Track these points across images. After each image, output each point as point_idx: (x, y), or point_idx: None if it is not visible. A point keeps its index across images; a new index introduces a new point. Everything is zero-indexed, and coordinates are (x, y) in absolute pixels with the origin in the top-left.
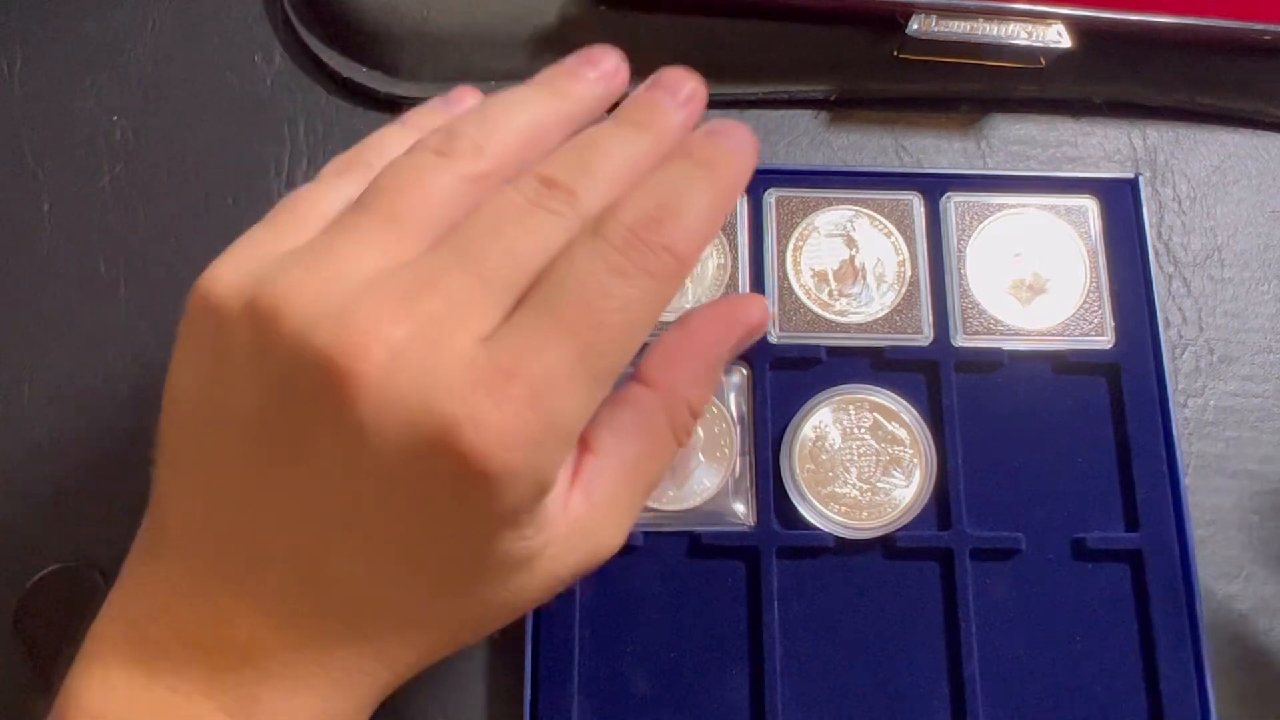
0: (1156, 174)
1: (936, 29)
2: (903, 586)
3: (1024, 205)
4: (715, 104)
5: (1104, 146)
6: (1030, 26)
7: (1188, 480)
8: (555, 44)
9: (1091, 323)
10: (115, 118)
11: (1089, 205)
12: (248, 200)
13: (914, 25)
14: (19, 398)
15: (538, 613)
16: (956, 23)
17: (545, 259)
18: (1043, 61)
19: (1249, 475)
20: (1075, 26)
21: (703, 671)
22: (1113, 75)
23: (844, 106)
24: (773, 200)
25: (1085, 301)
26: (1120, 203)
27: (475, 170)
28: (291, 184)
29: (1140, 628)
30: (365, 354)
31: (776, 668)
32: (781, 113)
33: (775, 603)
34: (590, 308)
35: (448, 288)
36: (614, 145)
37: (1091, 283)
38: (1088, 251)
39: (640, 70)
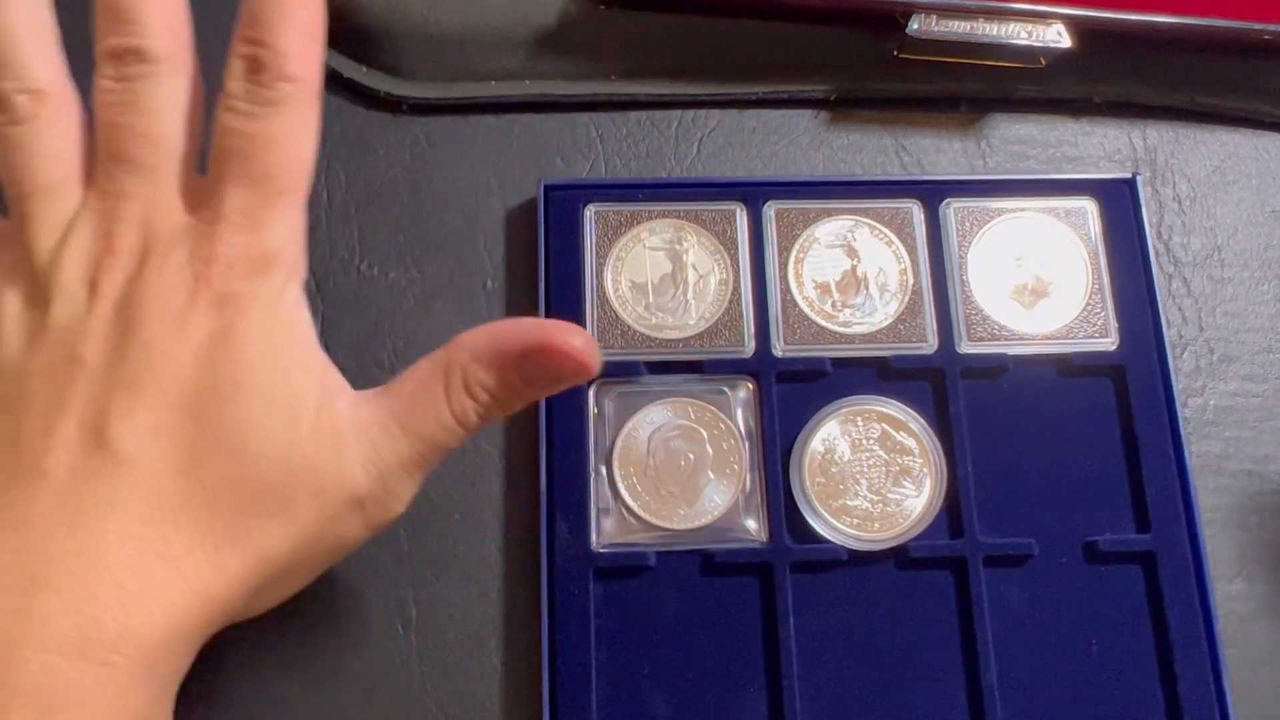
0: (1156, 174)
1: (936, 29)
2: (917, 596)
3: (1023, 209)
4: (715, 104)
5: (1104, 146)
6: (1030, 26)
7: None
8: (555, 44)
9: (1095, 324)
10: None
11: (1088, 207)
12: None
13: (914, 25)
14: None
15: (553, 638)
16: (956, 23)
17: (166, 109)
18: (1043, 61)
19: (1249, 475)
20: (1075, 26)
21: (721, 690)
22: (1113, 75)
23: (844, 106)
24: (772, 213)
25: (1088, 303)
26: (1119, 203)
27: (47, 112)
28: None
29: (1155, 629)
30: (108, 271)
31: (795, 683)
32: (781, 113)
33: (790, 618)
34: (247, 155)
35: (126, 193)
36: None
37: (1093, 284)
38: (1088, 253)
39: (640, 70)
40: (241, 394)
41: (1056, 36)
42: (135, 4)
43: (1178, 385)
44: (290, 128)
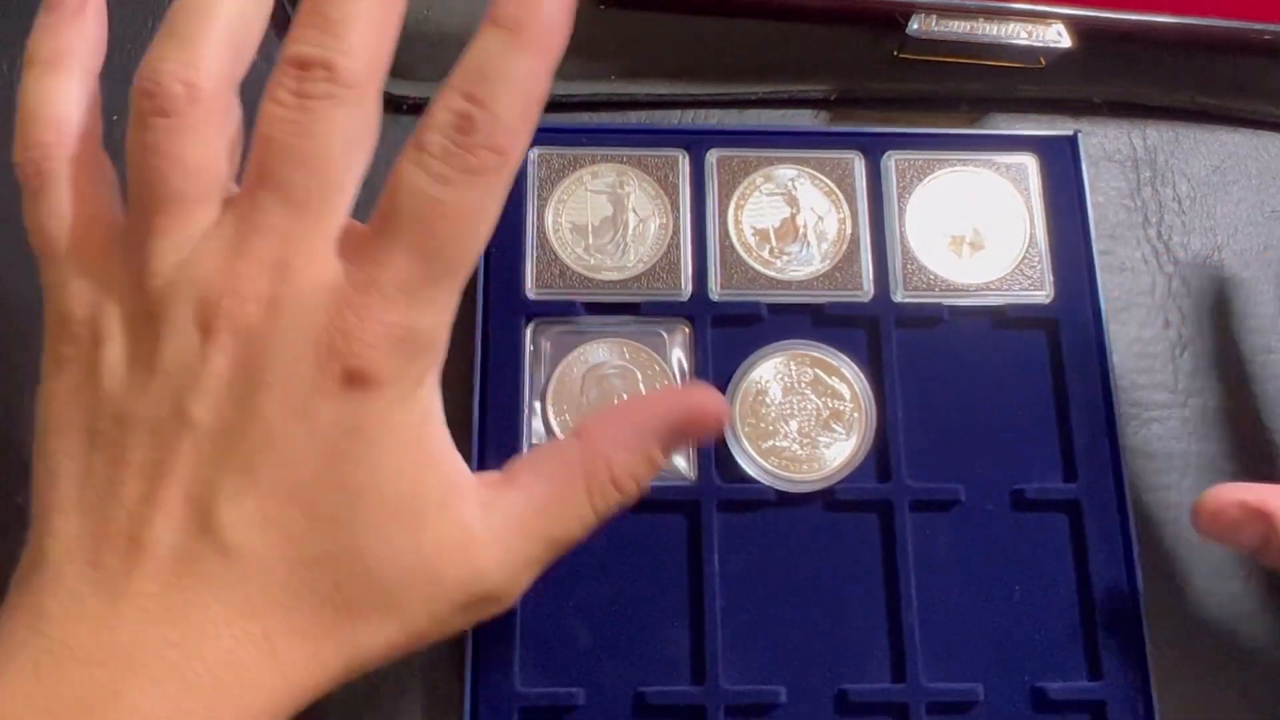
0: (1156, 174)
1: (936, 29)
2: (843, 539)
3: (964, 162)
4: (715, 104)
5: (1104, 146)
6: (1030, 26)
7: (1188, 481)
8: None
9: (1031, 278)
10: (115, 118)
11: (1028, 162)
12: None
13: (914, 25)
14: (20, 398)
15: None
16: (956, 23)
17: (338, 141)
18: (1043, 61)
19: (1249, 475)
20: (1075, 26)
21: (644, 624)
22: (1113, 75)
23: (844, 106)
24: (714, 160)
25: (1025, 257)
26: (1059, 159)
27: (196, 115)
28: None
29: (1078, 577)
30: (229, 317)
31: (717, 619)
32: (781, 113)
33: (716, 555)
34: (423, 219)
35: (268, 226)
36: None
37: (1031, 239)
38: (1027, 208)
39: (640, 71)
40: (362, 496)
41: (1056, 36)
42: (344, 15)
43: (1178, 385)
44: (481, 204)
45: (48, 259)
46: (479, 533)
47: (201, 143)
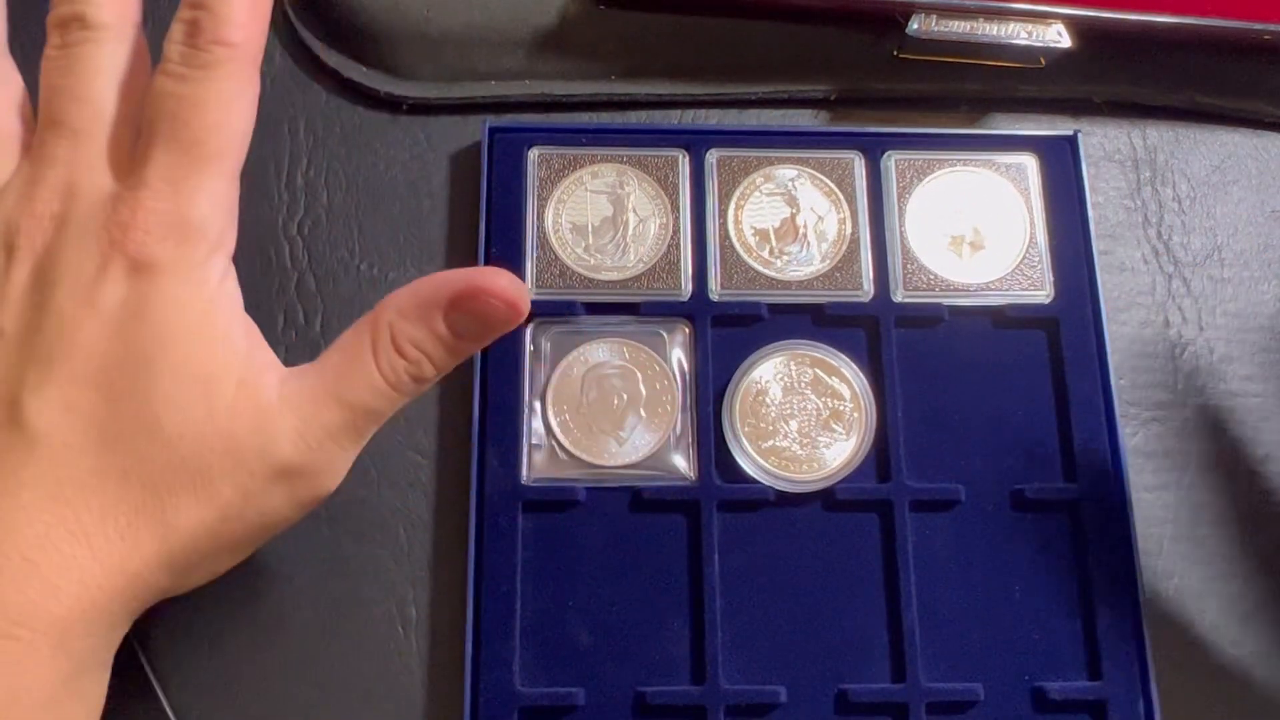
0: (1156, 174)
1: (936, 29)
2: (843, 539)
3: (964, 162)
4: (715, 104)
5: (1104, 146)
6: (1030, 26)
7: (1188, 481)
8: (555, 44)
9: (1031, 277)
10: None
11: (1028, 162)
12: (248, 200)
13: (914, 25)
14: None
15: (479, 568)
16: (956, 23)
17: (107, 75)
18: (1043, 61)
19: (1249, 475)
20: (1075, 26)
21: (644, 624)
22: (1113, 75)
23: (844, 106)
24: (714, 160)
25: (1025, 257)
26: (1060, 159)
27: None
28: (291, 183)
29: (1078, 577)
30: (27, 235)
31: (717, 620)
32: (781, 112)
33: (716, 556)
34: (171, 115)
35: (54, 157)
36: None
37: (1031, 238)
38: (1027, 207)
39: (640, 70)
40: (153, 369)
41: (1056, 36)
42: None
43: (1178, 385)
44: (222, 93)
45: None
46: (273, 404)
47: None
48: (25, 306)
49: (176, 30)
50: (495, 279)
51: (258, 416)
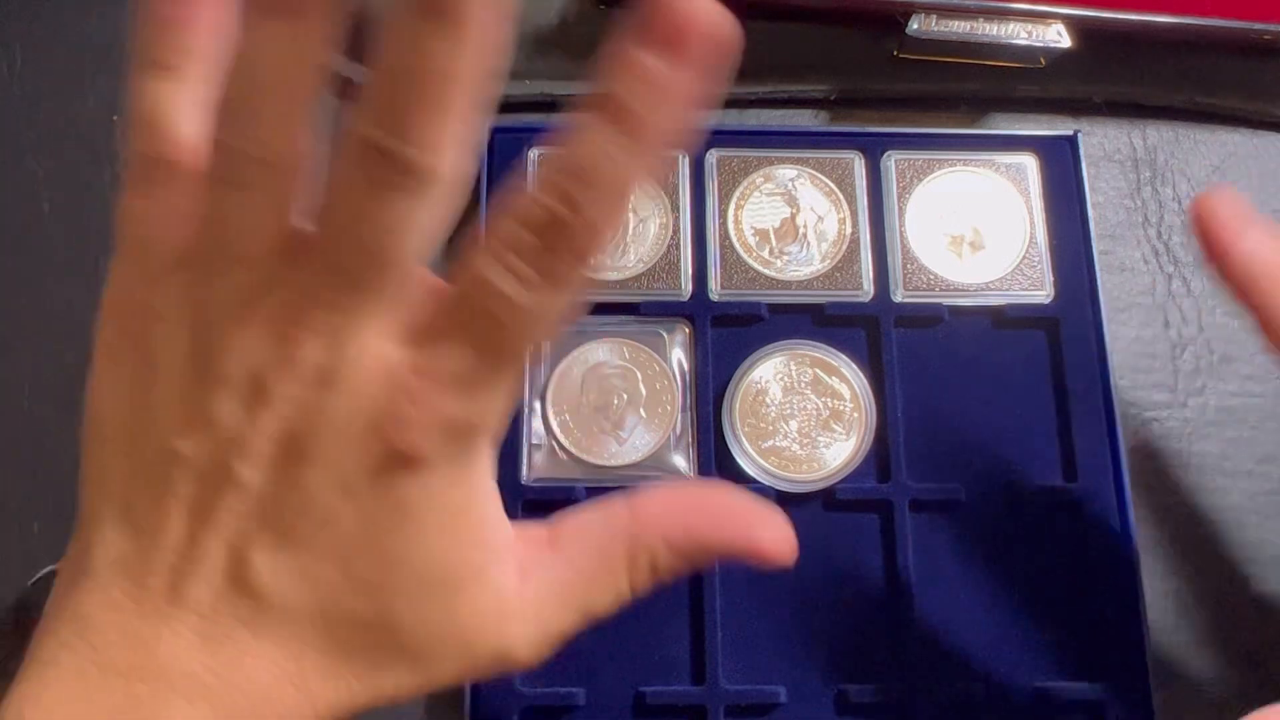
0: (1156, 174)
1: (936, 29)
2: (843, 538)
3: (964, 162)
4: (715, 104)
5: (1104, 146)
6: (1030, 26)
7: (1189, 480)
8: (555, 44)
9: (1031, 277)
10: (115, 118)
11: (1028, 162)
12: None
13: (914, 25)
14: (19, 398)
15: None
16: (956, 22)
17: (414, 236)
18: (1043, 61)
19: (1249, 475)
20: (1075, 26)
21: (644, 624)
22: (1113, 75)
23: (844, 106)
24: (714, 160)
25: (1025, 256)
26: (1060, 160)
27: (255, 181)
28: None
29: (1078, 578)
30: (281, 384)
31: (717, 620)
32: (781, 112)
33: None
34: (492, 317)
35: (323, 298)
36: (431, 63)
37: (1030, 238)
38: (1027, 208)
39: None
40: (401, 568)
41: (1056, 36)
42: (413, 110)
43: (1178, 385)
44: (555, 307)
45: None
46: (514, 604)
47: (272, 209)
48: (271, 466)
49: (533, 214)
50: (771, 535)
51: (499, 620)
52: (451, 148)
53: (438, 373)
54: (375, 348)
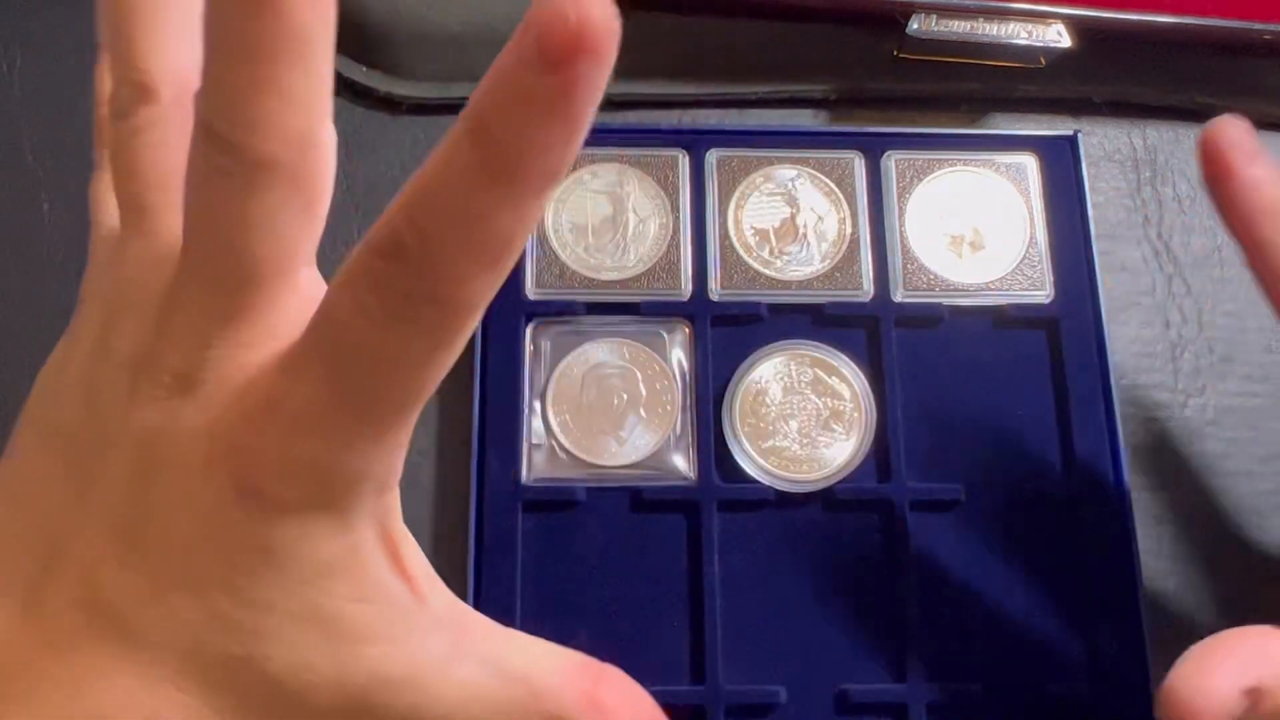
0: (1156, 174)
1: (936, 29)
2: (843, 539)
3: (964, 162)
4: (715, 104)
5: (1104, 146)
6: (1030, 26)
7: (1189, 480)
8: None
9: (1031, 277)
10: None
11: (1028, 162)
12: None
13: (914, 25)
14: (19, 397)
15: (479, 568)
16: (956, 22)
17: (264, 229)
18: (1043, 61)
19: (1249, 475)
20: (1075, 26)
21: (644, 625)
22: (1113, 75)
23: (844, 106)
24: (714, 160)
25: (1025, 257)
26: (1060, 159)
27: (136, 110)
28: None
29: (1078, 577)
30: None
31: (717, 619)
32: (781, 113)
33: (716, 556)
34: (336, 354)
35: (189, 305)
36: (256, 41)
37: (1031, 238)
38: (1027, 207)
39: (640, 70)
40: (273, 613)
41: (1056, 36)
42: (244, 92)
43: (1178, 385)
44: (421, 354)
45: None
46: (431, 679)
47: (161, 146)
48: (125, 478)
49: (379, 237)
50: None
51: (404, 693)
52: (297, 131)
53: (281, 408)
54: (237, 359)
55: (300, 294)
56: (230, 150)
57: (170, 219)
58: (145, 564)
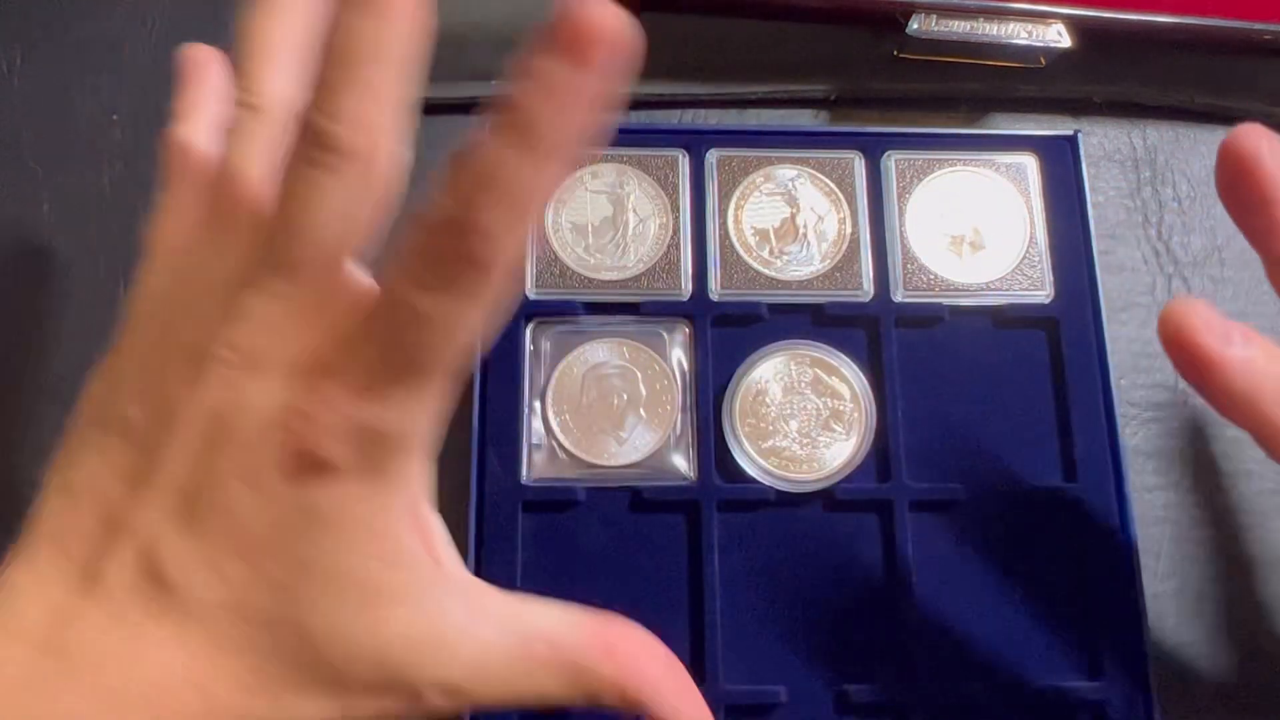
0: (1156, 174)
1: (936, 29)
2: (843, 539)
3: (964, 162)
4: (715, 104)
5: (1104, 146)
6: (1030, 26)
7: (1188, 481)
8: None
9: (1031, 277)
10: (115, 118)
11: (1028, 162)
12: None
13: (914, 25)
14: (18, 395)
15: (479, 568)
16: (956, 22)
17: (337, 217)
18: (1043, 61)
19: (1249, 475)
20: (1075, 26)
21: (644, 624)
22: (1113, 75)
23: (844, 106)
24: (714, 160)
25: (1025, 257)
26: (1060, 159)
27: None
28: None
29: (1078, 577)
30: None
31: (717, 620)
32: (781, 112)
33: (716, 555)
34: (391, 321)
35: (262, 289)
36: (357, 42)
37: (1031, 238)
38: (1027, 207)
39: (640, 70)
40: (313, 575)
41: (1056, 36)
42: (339, 88)
43: (1179, 385)
44: (457, 314)
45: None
46: (452, 641)
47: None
48: (194, 447)
49: (434, 219)
50: None
51: (428, 654)
52: (377, 127)
53: (347, 376)
54: (300, 339)
55: (352, 282)
56: (320, 139)
57: (245, 220)
58: (203, 533)
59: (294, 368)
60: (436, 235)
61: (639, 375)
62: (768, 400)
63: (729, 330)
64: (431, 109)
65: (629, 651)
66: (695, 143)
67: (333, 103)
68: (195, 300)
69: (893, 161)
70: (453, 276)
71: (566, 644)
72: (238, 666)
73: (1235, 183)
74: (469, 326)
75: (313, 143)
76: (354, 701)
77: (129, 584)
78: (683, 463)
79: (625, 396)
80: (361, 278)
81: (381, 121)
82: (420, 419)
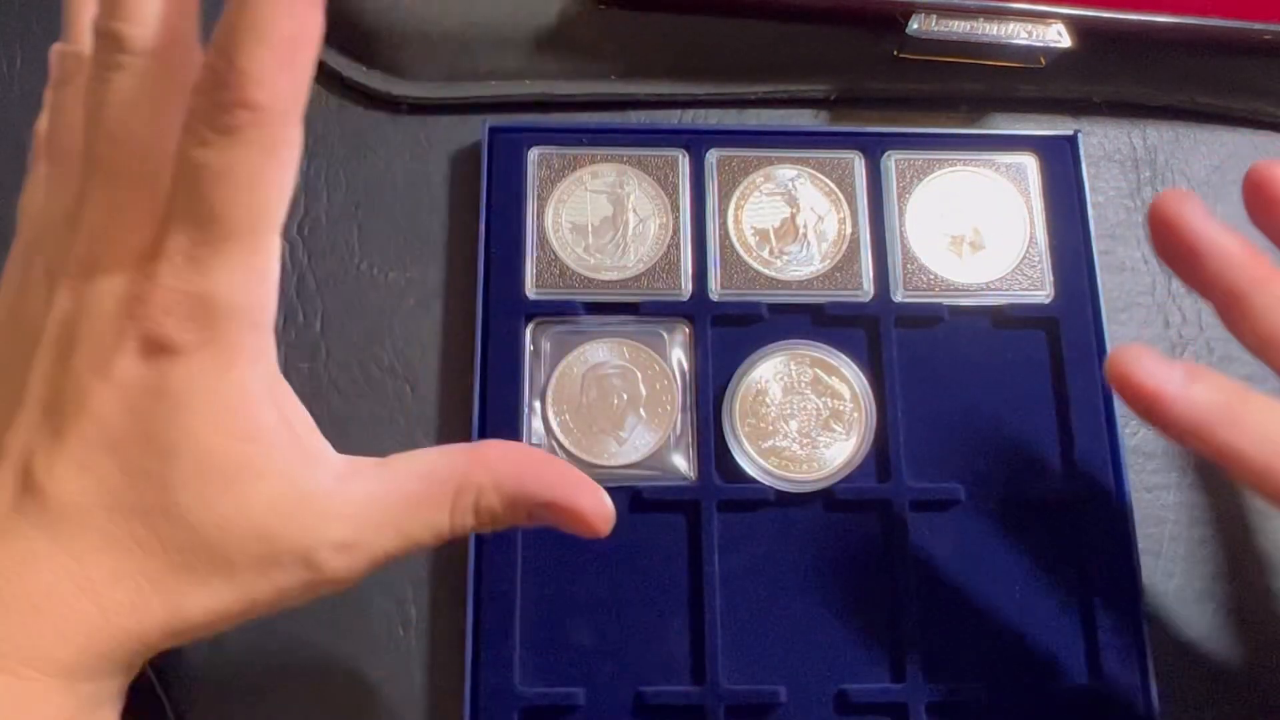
0: (1156, 174)
1: (936, 29)
2: (842, 538)
3: (964, 162)
4: (715, 104)
5: (1104, 146)
6: (1030, 26)
7: (1188, 481)
8: (555, 44)
9: (1031, 277)
10: None
11: (1028, 162)
12: None
13: (914, 25)
14: None
15: (479, 567)
16: (956, 22)
17: (142, 111)
18: (1043, 61)
19: None
20: (1075, 26)
21: (644, 624)
22: (1113, 75)
23: (844, 106)
24: (714, 160)
25: (1025, 257)
26: (1060, 159)
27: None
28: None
29: (1078, 577)
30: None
31: (717, 619)
32: (781, 112)
33: (716, 555)
34: (190, 184)
35: (91, 200)
36: None
37: (1031, 238)
38: (1027, 207)
39: (640, 70)
40: (173, 455)
41: (1056, 36)
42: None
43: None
44: (247, 163)
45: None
46: (323, 504)
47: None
48: (50, 365)
49: (203, 79)
50: (592, 503)
51: (303, 519)
52: (160, 17)
53: (164, 251)
54: (133, 235)
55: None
56: (108, 41)
57: (73, 152)
58: (70, 436)
59: (132, 261)
60: (208, 91)
61: (639, 375)
62: (768, 400)
63: (729, 330)
64: (431, 109)
65: (500, 454)
66: (695, 143)
67: (119, 5)
68: (45, 237)
69: (893, 161)
70: (231, 126)
71: (440, 474)
72: (127, 566)
73: (1166, 244)
74: (265, 176)
75: (103, 46)
76: (248, 581)
77: (10, 503)
78: (683, 463)
79: (625, 396)
80: None
81: (164, 11)
82: (247, 282)
